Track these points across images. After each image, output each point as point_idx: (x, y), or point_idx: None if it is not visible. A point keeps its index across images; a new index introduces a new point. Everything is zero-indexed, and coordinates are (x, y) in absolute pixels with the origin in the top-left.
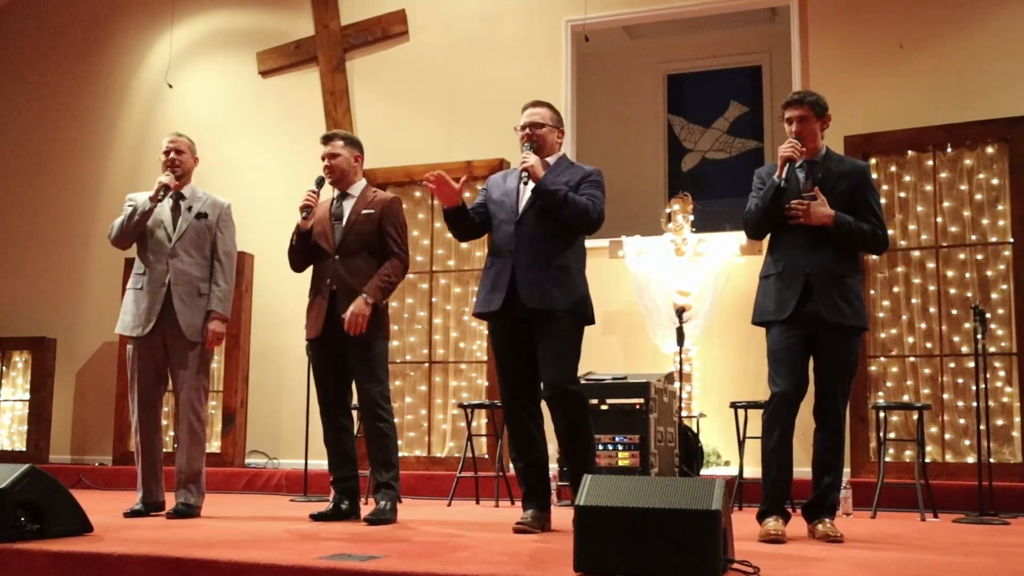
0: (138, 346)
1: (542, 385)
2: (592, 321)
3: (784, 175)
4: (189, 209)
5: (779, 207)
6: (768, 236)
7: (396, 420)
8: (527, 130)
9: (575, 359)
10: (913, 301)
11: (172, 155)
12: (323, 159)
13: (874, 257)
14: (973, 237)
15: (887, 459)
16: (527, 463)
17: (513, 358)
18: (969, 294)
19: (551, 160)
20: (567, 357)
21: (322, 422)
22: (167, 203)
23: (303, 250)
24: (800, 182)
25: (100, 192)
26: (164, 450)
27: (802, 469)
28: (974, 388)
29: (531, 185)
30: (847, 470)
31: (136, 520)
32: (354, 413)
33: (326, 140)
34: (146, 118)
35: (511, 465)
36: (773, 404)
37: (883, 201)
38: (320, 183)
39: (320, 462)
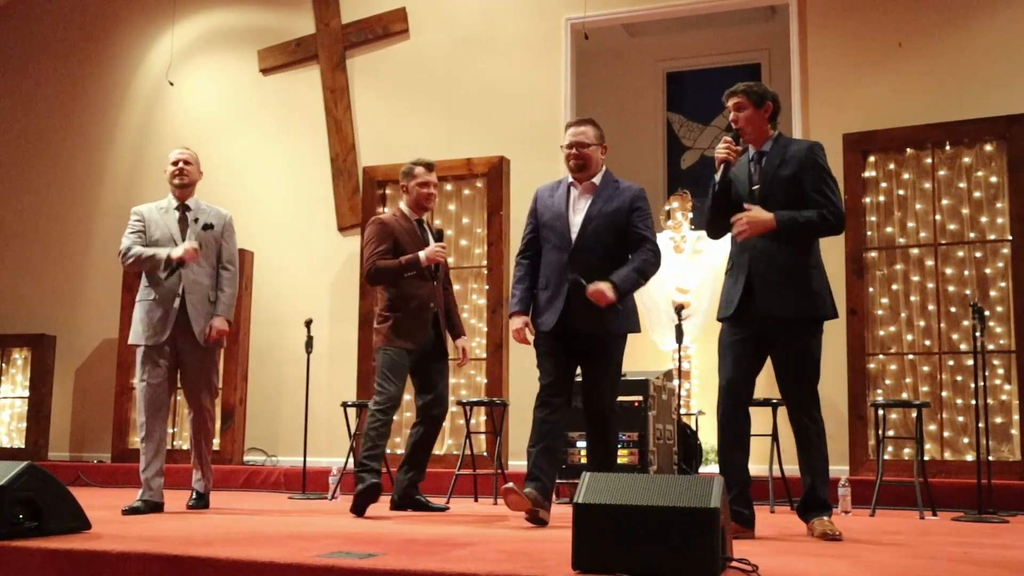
0: (149, 352)
1: (584, 401)
2: (638, 330)
3: (721, 177)
4: (196, 221)
5: (725, 206)
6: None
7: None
8: (574, 149)
9: (619, 380)
10: (912, 299)
11: (181, 165)
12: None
13: (873, 254)
14: (972, 235)
15: (886, 457)
16: (543, 447)
17: (556, 363)
18: (968, 292)
19: (596, 180)
20: (614, 381)
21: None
22: (174, 216)
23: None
24: (752, 175)
25: (101, 190)
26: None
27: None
28: (973, 386)
29: (581, 212)
30: (846, 468)
31: (134, 517)
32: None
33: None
34: (147, 116)
35: (510, 463)
36: (719, 399)
37: (841, 183)
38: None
39: (319, 460)
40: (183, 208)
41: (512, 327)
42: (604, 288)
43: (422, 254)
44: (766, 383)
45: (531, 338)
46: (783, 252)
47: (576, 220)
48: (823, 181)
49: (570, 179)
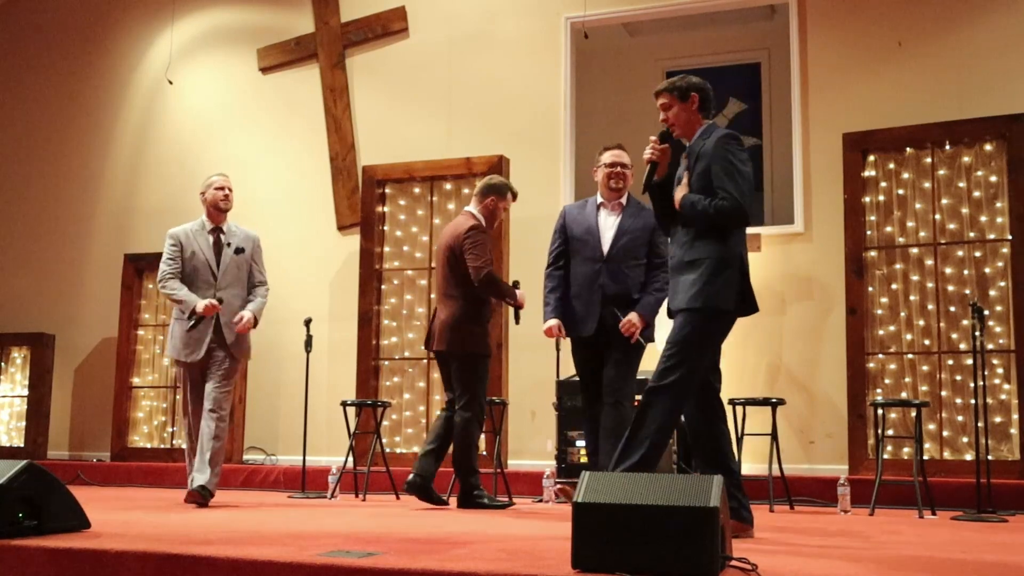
0: (188, 367)
1: (605, 392)
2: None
3: (647, 178)
4: (228, 245)
5: (661, 204)
6: None
7: (395, 416)
8: (618, 168)
9: (635, 376)
10: (911, 298)
11: (227, 192)
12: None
13: (872, 254)
14: (971, 234)
15: (885, 456)
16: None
17: (590, 369)
18: (967, 291)
19: (623, 200)
20: (632, 377)
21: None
22: (208, 239)
23: None
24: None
25: (100, 188)
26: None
27: (800, 466)
28: (972, 385)
29: (612, 228)
30: (845, 467)
31: (134, 516)
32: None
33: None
34: (146, 114)
35: (509, 462)
36: None
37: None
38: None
39: (318, 459)
40: (217, 231)
41: (545, 326)
42: (635, 322)
43: (519, 295)
44: (764, 382)
45: (563, 339)
46: (686, 246)
47: (608, 235)
48: (726, 172)
49: (599, 200)
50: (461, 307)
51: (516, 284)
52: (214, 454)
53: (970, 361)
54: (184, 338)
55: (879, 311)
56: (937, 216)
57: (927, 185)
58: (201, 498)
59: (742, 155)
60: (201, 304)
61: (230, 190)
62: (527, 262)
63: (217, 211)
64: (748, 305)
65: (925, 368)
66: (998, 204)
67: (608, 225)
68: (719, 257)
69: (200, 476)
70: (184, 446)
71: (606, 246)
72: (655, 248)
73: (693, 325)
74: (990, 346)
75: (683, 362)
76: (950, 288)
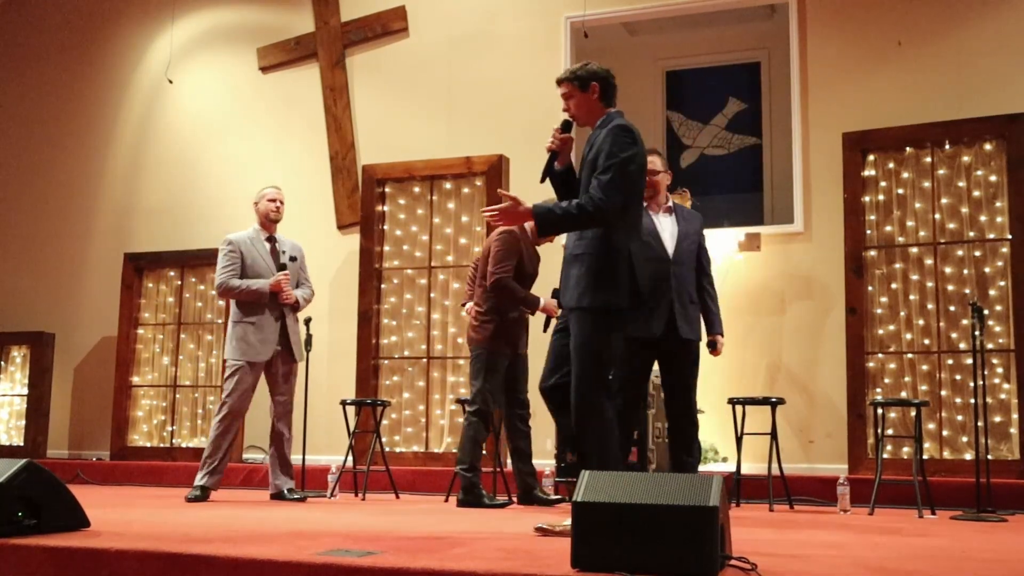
0: (246, 369)
1: (669, 405)
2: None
3: (546, 167)
4: (283, 252)
5: (566, 194)
6: None
7: (397, 415)
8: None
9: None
10: (911, 297)
11: (278, 204)
12: None
13: (872, 253)
14: (971, 234)
15: (885, 455)
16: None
17: (635, 371)
18: (967, 291)
19: (670, 203)
20: (696, 384)
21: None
22: (265, 247)
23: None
24: None
25: (100, 187)
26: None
27: (800, 466)
28: (972, 385)
29: (668, 230)
30: (844, 466)
31: (134, 515)
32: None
33: None
34: (146, 113)
35: (508, 461)
36: None
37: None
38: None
39: (318, 458)
40: (272, 240)
41: (543, 303)
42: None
43: (543, 301)
44: (764, 382)
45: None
46: (573, 239)
47: (666, 236)
48: (605, 167)
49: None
50: (484, 302)
51: (556, 292)
52: (289, 458)
53: (970, 360)
54: (248, 339)
55: (879, 310)
56: (937, 216)
57: (927, 184)
58: (303, 499)
59: (630, 150)
60: (271, 280)
61: (282, 202)
62: None
63: (269, 222)
64: (640, 300)
65: (925, 367)
66: (998, 204)
67: (665, 227)
68: (605, 253)
69: (289, 481)
70: (203, 443)
71: (670, 247)
72: (704, 252)
73: (586, 324)
74: (990, 345)
75: (589, 364)
76: (950, 288)
